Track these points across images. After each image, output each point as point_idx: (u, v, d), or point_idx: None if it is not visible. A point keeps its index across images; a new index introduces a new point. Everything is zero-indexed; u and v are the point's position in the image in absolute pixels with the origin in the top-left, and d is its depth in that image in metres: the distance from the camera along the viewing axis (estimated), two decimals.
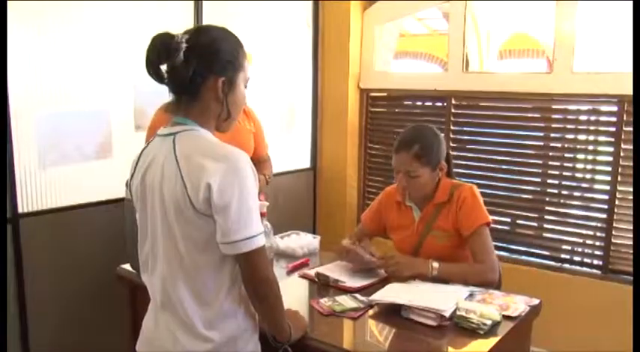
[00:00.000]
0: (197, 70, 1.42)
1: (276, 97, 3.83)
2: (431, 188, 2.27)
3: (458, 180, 2.41)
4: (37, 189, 2.64)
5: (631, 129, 3.02)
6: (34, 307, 2.67)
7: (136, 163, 1.55)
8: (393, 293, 1.93)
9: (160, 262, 1.48)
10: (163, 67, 1.43)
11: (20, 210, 2.59)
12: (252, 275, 1.43)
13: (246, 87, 1.54)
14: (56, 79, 2.66)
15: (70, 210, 2.76)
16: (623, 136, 3.05)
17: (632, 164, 3.04)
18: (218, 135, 1.55)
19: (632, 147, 3.04)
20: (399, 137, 2.27)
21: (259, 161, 2.65)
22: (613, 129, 3.09)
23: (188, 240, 1.41)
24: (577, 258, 3.30)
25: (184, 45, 1.40)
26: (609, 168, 3.12)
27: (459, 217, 2.22)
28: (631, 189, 3.07)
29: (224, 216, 1.36)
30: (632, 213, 3.07)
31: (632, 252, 3.09)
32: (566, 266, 3.32)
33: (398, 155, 2.22)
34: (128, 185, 1.60)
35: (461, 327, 1.75)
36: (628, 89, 2.96)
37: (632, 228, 3.07)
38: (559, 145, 3.31)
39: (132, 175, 1.56)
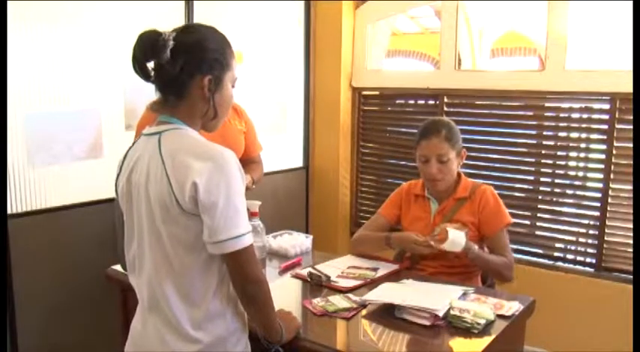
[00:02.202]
0: (184, 68, 1.40)
1: (269, 96, 3.81)
2: (454, 179, 2.35)
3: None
4: (26, 190, 2.62)
5: (623, 126, 3.03)
6: (23, 309, 2.64)
7: (122, 163, 1.53)
8: (386, 293, 1.92)
9: (146, 262, 1.46)
10: (150, 65, 1.42)
11: (9, 211, 2.56)
12: (240, 275, 1.41)
13: (233, 86, 1.53)
14: (45, 77, 2.63)
15: (60, 211, 2.74)
16: (615, 134, 3.05)
17: (624, 161, 3.04)
18: (209, 134, 1.53)
19: (624, 144, 3.04)
20: (422, 127, 2.35)
21: (251, 162, 2.62)
22: (605, 126, 3.09)
23: (174, 239, 1.40)
24: (570, 256, 3.30)
25: (171, 42, 1.39)
26: (602, 166, 3.12)
27: (483, 218, 2.30)
28: (624, 187, 3.07)
29: (211, 215, 1.35)
30: (625, 210, 3.07)
31: (625, 249, 3.09)
32: (560, 264, 3.32)
33: (428, 140, 2.29)
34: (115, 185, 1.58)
35: (455, 327, 1.74)
36: (620, 86, 2.97)
37: (625, 225, 3.08)
38: (551, 143, 3.31)
39: (118, 175, 1.54)
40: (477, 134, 3.54)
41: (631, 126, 3.01)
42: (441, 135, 2.28)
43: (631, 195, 3.03)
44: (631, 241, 3.06)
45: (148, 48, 1.39)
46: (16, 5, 2.45)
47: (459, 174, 2.39)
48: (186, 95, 1.44)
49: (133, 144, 1.53)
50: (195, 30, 1.47)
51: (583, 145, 3.24)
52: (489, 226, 2.30)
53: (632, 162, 3.01)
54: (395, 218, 2.50)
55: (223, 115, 1.53)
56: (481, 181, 2.54)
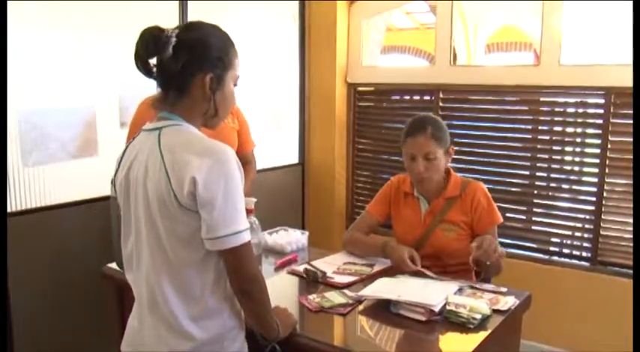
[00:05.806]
0: (185, 65, 1.40)
1: (264, 93, 3.80)
2: (442, 177, 2.32)
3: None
4: (20, 188, 2.61)
5: (618, 120, 3.04)
6: (18, 307, 2.63)
7: (121, 159, 1.53)
8: (382, 289, 1.92)
9: (144, 258, 1.46)
10: (152, 61, 1.41)
11: None
12: (238, 271, 1.41)
13: (235, 85, 1.53)
14: (40, 75, 2.62)
15: (55, 209, 2.73)
16: (610, 128, 3.05)
17: (619, 156, 3.05)
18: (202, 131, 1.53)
19: (619, 138, 3.05)
20: (408, 124, 2.30)
21: (243, 160, 2.62)
22: (600, 121, 3.09)
23: (172, 235, 1.40)
24: (566, 251, 3.31)
25: (174, 39, 1.39)
26: (597, 160, 3.13)
27: (475, 217, 2.28)
28: (619, 181, 3.08)
29: (209, 211, 1.35)
30: (620, 204, 3.08)
31: (620, 243, 3.11)
32: (555, 258, 3.33)
33: (414, 138, 2.24)
34: (113, 181, 1.57)
35: (451, 322, 1.74)
36: (615, 81, 2.98)
37: (620, 219, 3.09)
38: (547, 138, 3.31)
39: (116, 171, 1.54)
40: (472, 129, 3.55)
41: (626, 120, 3.02)
42: (427, 133, 2.22)
43: (626, 189, 3.04)
44: (627, 235, 3.07)
45: (150, 44, 1.39)
46: (11, 3, 2.43)
47: (448, 171, 2.34)
48: (187, 92, 1.44)
49: (133, 139, 1.53)
50: (198, 28, 1.47)
51: (578, 140, 3.25)
52: (482, 225, 2.28)
53: (627, 157, 3.02)
54: (384, 216, 2.47)
55: (224, 114, 1.53)
56: (474, 177, 2.52)
